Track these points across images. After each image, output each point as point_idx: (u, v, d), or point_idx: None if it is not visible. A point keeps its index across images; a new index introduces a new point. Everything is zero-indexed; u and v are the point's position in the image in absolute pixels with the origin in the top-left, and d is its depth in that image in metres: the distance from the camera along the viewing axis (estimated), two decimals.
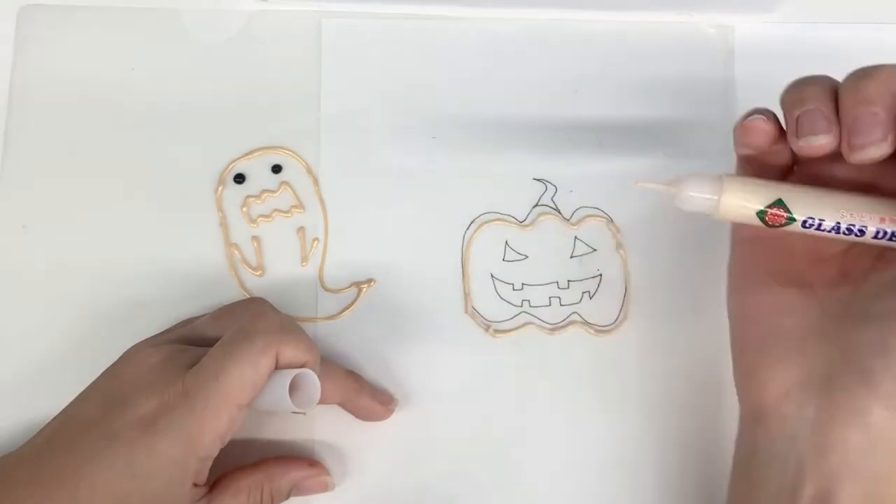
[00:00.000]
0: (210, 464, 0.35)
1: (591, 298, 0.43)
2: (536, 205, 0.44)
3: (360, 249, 0.43)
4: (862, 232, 0.32)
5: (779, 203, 0.32)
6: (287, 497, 0.39)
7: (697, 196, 0.33)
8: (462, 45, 0.45)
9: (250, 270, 0.43)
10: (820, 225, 0.32)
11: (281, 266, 0.43)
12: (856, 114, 0.31)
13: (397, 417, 0.41)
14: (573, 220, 0.44)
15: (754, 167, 0.36)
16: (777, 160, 0.35)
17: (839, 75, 0.46)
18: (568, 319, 0.43)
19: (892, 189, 0.34)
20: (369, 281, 0.43)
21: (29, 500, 0.33)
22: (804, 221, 0.32)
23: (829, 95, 0.32)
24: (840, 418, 0.31)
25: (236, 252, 0.43)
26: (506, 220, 0.43)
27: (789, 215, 0.32)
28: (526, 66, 0.45)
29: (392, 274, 0.43)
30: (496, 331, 0.42)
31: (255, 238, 0.43)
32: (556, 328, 0.42)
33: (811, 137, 0.32)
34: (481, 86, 0.45)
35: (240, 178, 0.44)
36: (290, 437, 0.41)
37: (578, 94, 0.45)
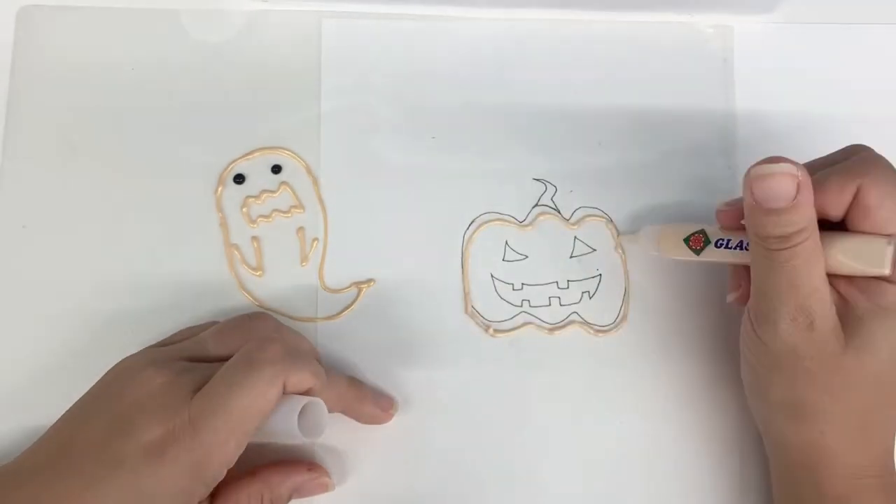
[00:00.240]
0: (214, 486, 0.35)
1: (590, 298, 0.43)
2: (536, 205, 0.44)
3: (360, 249, 0.43)
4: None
5: (700, 232, 0.39)
6: (288, 501, 0.39)
7: (647, 243, 0.41)
8: (462, 46, 0.45)
9: (250, 271, 0.43)
10: (728, 243, 0.38)
11: (281, 266, 0.43)
12: None
13: (397, 417, 0.41)
14: (573, 220, 0.44)
15: None
16: None
17: (839, 75, 0.46)
18: (567, 319, 0.43)
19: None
20: (369, 281, 0.43)
21: None
22: (717, 241, 0.38)
23: None
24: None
25: (236, 252, 0.43)
26: (506, 220, 0.43)
27: (706, 239, 0.38)
28: (525, 66, 0.45)
29: (392, 274, 0.43)
30: (496, 331, 0.42)
31: (254, 238, 0.43)
32: (555, 328, 0.42)
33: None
34: (481, 86, 0.45)
35: (239, 179, 0.44)
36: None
37: (578, 94, 0.45)
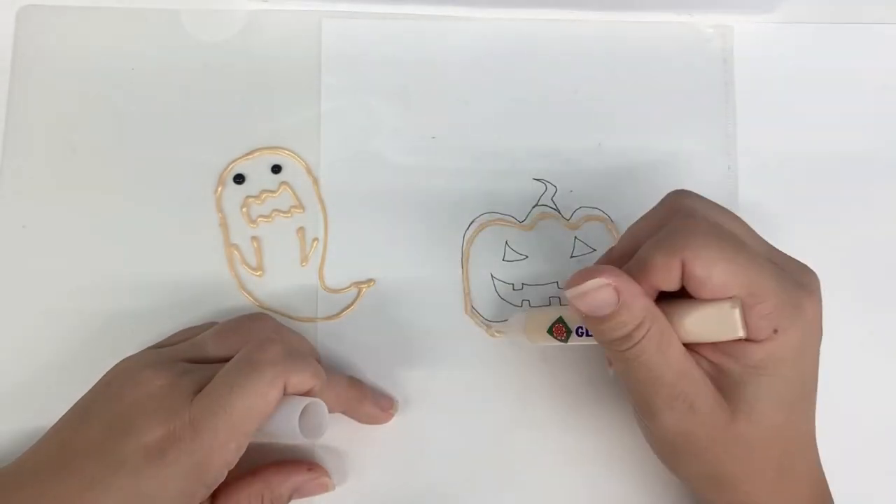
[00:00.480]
0: (215, 487, 0.35)
1: None
2: (536, 205, 0.44)
3: (360, 250, 0.43)
4: None
5: (559, 321, 0.37)
6: (288, 501, 0.39)
7: (515, 331, 0.40)
8: (462, 46, 0.45)
9: (250, 271, 0.43)
10: (587, 331, 0.36)
11: (281, 266, 0.43)
12: None
13: (397, 417, 0.41)
14: (573, 220, 0.44)
15: None
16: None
17: (839, 75, 0.46)
18: None
19: None
20: (369, 281, 0.43)
21: None
22: (577, 329, 0.37)
23: None
24: None
25: (236, 252, 0.43)
26: (506, 221, 0.43)
27: (567, 328, 0.37)
28: (525, 66, 0.45)
29: (392, 274, 0.43)
30: (496, 331, 0.42)
31: (254, 238, 0.43)
32: None
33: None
34: (481, 86, 0.45)
35: (239, 179, 0.44)
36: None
37: (578, 94, 0.45)
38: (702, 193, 0.36)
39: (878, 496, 0.42)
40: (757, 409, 0.33)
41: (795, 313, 0.33)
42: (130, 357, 0.38)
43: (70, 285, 0.42)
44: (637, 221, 0.37)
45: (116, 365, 0.37)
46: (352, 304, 0.43)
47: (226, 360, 0.36)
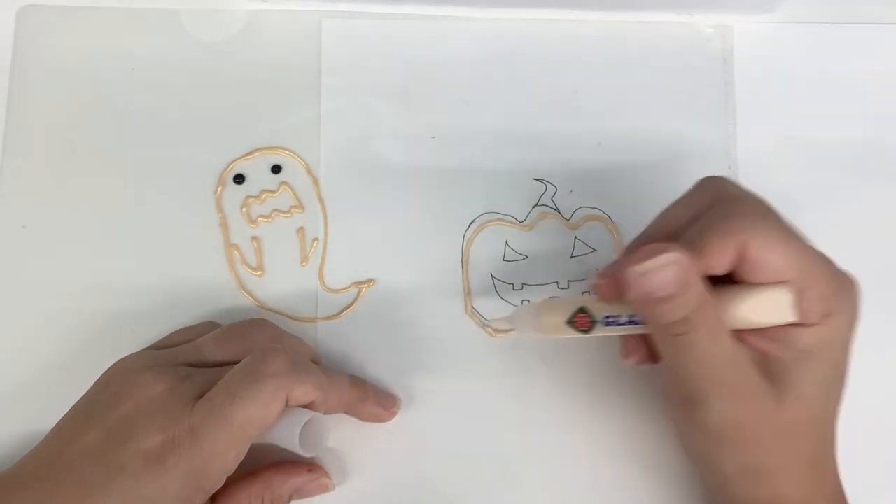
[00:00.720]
0: (213, 492, 0.35)
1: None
2: (536, 205, 0.44)
3: (360, 249, 0.43)
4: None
5: (581, 311, 0.35)
6: (288, 502, 0.39)
7: (524, 325, 0.38)
8: (461, 46, 0.45)
9: (250, 271, 0.43)
10: (618, 319, 0.34)
11: (281, 266, 0.43)
12: None
13: (398, 417, 0.41)
14: (573, 220, 0.44)
15: None
16: None
17: (839, 75, 0.46)
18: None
19: None
20: (369, 281, 0.43)
21: None
22: (605, 320, 0.35)
23: None
24: None
25: (236, 252, 0.43)
26: (506, 221, 0.43)
27: (592, 318, 0.35)
28: (525, 66, 0.45)
29: (392, 274, 0.43)
30: (496, 330, 0.42)
31: (254, 238, 0.43)
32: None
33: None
34: (481, 86, 0.45)
35: (239, 179, 0.44)
36: None
37: (578, 93, 0.45)
38: None
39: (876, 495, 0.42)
40: (805, 394, 0.33)
41: (844, 297, 0.33)
42: (128, 357, 0.38)
43: (70, 285, 0.42)
44: (670, 207, 0.36)
45: (114, 365, 0.37)
46: (352, 304, 0.43)
47: (224, 364, 0.36)
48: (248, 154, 0.44)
